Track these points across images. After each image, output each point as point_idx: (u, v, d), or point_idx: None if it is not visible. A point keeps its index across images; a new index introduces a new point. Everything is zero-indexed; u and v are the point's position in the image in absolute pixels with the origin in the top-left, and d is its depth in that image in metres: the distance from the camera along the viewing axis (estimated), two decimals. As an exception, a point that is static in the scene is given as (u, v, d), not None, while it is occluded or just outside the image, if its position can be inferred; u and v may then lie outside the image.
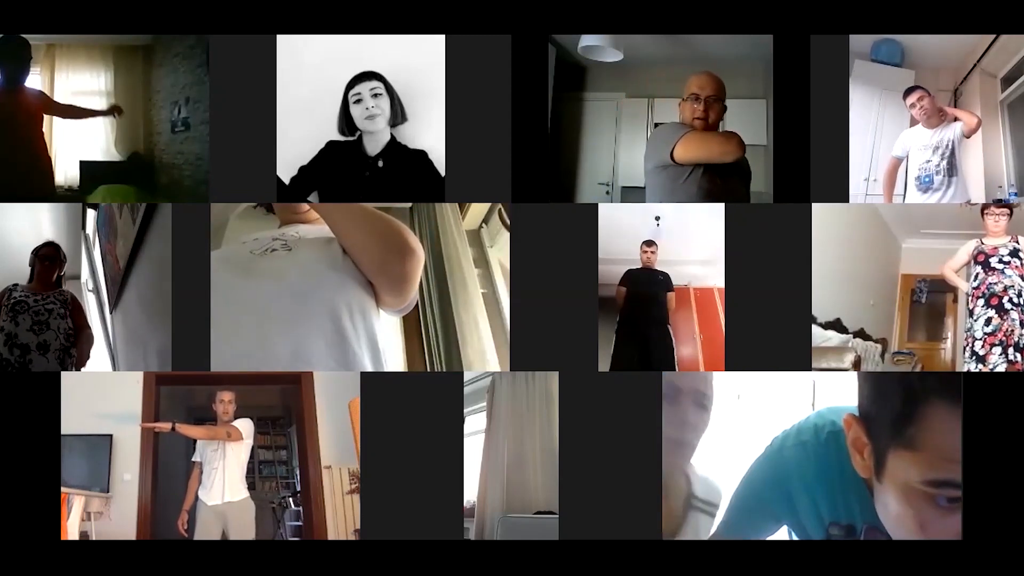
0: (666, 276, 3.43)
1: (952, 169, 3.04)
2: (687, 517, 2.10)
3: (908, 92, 3.07)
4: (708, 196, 2.72)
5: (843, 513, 1.77)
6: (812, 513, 1.79)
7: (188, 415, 3.82)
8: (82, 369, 2.98)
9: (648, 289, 3.41)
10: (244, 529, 3.34)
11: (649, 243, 3.40)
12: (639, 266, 3.41)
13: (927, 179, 3.04)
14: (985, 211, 3.09)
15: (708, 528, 2.09)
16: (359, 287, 1.93)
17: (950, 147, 3.03)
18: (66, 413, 2.54)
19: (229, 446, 3.36)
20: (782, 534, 1.92)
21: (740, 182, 2.81)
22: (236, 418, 3.37)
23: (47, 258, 3.03)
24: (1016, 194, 3.08)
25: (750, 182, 2.84)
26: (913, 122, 3.10)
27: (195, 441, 3.42)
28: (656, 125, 3.45)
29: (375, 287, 1.96)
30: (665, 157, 2.74)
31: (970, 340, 3.08)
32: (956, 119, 3.06)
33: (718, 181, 2.74)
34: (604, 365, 2.67)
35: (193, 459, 3.45)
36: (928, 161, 3.04)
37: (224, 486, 3.34)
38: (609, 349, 3.29)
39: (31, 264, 3.04)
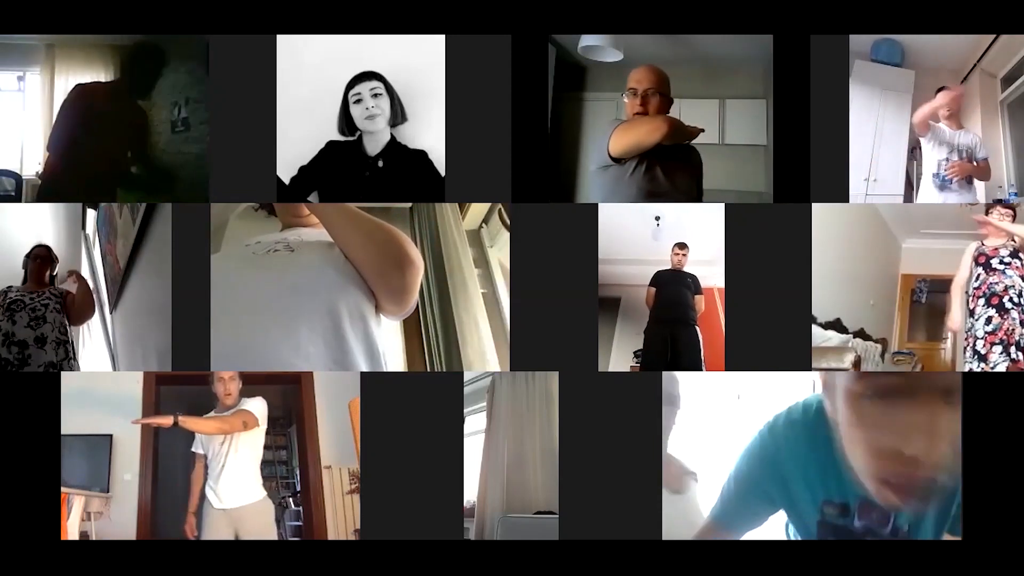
0: (694, 278, 3.42)
1: (970, 178, 3.06)
2: None
3: (940, 89, 3.09)
4: (650, 195, 2.65)
5: (835, 490, 1.77)
6: (806, 492, 1.81)
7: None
8: (80, 363, 3.01)
9: (675, 290, 3.41)
10: (262, 534, 2.99)
11: (681, 245, 3.40)
12: (668, 267, 3.42)
13: (946, 177, 3.05)
14: (988, 212, 3.10)
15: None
16: (360, 291, 1.94)
17: (967, 155, 3.05)
18: (66, 413, 2.55)
19: (241, 435, 2.98)
20: (778, 520, 1.92)
21: (689, 175, 2.72)
22: (242, 399, 3.01)
23: (39, 257, 3.07)
24: (1016, 194, 3.08)
25: (701, 175, 2.74)
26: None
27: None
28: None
29: (375, 294, 1.96)
30: (603, 155, 2.67)
31: (971, 340, 3.09)
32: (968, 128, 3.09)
33: (661, 178, 2.65)
34: (604, 365, 2.67)
35: (193, 449, 3.13)
36: (947, 159, 3.05)
37: (237, 486, 3.01)
38: (610, 348, 3.30)
39: (24, 266, 3.07)
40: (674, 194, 2.67)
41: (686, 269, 3.42)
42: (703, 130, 2.71)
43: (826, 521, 1.78)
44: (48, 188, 2.88)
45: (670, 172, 2.67)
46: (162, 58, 2.90)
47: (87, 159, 2.89)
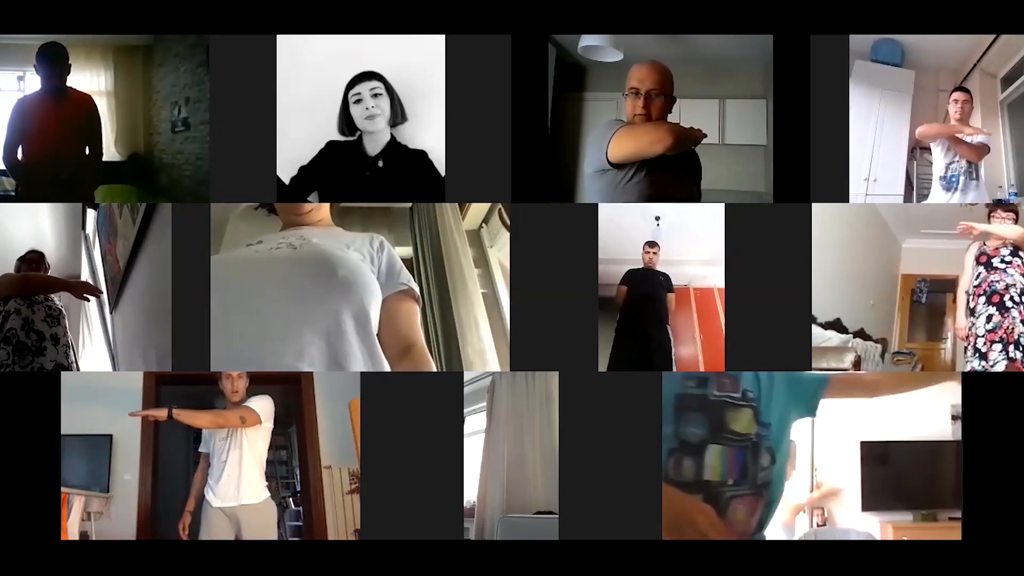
0: (666, 277, 3.42)
1: (974, 172, 3.07)
2: None
3: (956, 89, 3.12)
4: (649, 201, 2.56)
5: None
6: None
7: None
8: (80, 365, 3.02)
9: (648, 289, 3.41)
10: (262, 535, 2.95)
11: (652, 244, 3.40)
12: (640, 266, 3.41)
13: (954, 179, 3.07)
14: (992, 214, 3.11)
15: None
16: (364, 294, 1.93)
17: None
18: (66, 413, 2.55)
19: (244, 433, 2.94)
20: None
21: (689, 181, 2.63)
22: (249, 396, 2.99)
23: (32, 262, 3.05)
24: (1016, 194, 3.09)
25: (700, 180, 2.66)
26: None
27: (199, 430, 3.03)
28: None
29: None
30: (602, 159, 2.53)
31: (972, 338, 3.09)
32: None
33: (661, 184, 2.54)
34: (604, 365, 2.66)
35: (200, 449, 3.11)
36: (953, 162, 3.07)
37: (239, 485, 2.95)
38: (609, 348, 3.30)
39: (17, 269, 3.06)
40: (673, 201, 2.65)
41: (658, 268, 3.43)
42: (706, 135, 2.59)
43: (685, 393, 1.96)
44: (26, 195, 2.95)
45: (670, 178, 2.57)
46: (66, 54, 2.92)
47: (49, 163, 2.94)
